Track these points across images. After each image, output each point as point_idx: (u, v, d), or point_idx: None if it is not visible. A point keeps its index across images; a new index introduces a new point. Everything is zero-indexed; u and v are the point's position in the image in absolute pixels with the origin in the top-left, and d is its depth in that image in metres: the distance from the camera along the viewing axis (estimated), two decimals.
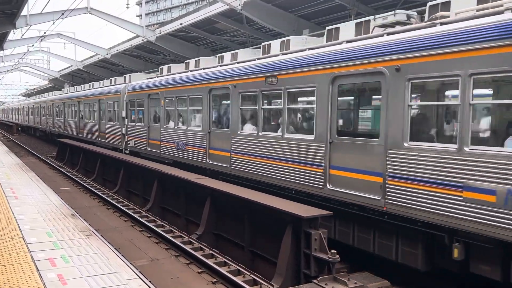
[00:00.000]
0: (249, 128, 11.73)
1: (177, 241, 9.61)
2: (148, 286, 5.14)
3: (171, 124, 15.87)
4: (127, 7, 30.01)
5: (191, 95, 14.38)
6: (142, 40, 26.57)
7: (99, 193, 15.54)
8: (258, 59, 11.65)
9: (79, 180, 18.30)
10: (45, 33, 29.21)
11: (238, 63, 12.52)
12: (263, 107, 11.01)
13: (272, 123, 11.51)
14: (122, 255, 6.30)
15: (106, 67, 40.21)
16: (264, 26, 19.30)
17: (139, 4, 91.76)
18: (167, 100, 16.07)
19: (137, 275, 5.35)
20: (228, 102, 12.44)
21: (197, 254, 8.74)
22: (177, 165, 14.58)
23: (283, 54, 10.79)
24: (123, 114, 20.12)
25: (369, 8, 15.88)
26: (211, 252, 9.13)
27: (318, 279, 7.06)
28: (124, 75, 23.18)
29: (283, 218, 7.87)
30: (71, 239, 6.65)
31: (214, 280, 7.83)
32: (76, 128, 28.40)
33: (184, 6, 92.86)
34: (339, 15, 16.83)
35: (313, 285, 7.00)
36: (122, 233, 10.96)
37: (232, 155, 11.94)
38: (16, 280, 4.96)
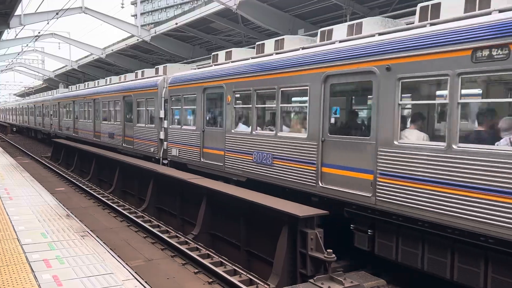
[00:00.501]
0: (417, 137, 7.40)
1: (173, 241, 9.59)
2: (144, 286, 5.12)
3: (244, 127, 11.48)
4: (122, 7, 29.97)
5: (286, 87, 9.83)
6: (137, 39, 26.54)
7: (94, 193, 15.48)
8: (432, 24, 7.17)
9: (74, 181, 18.23)
10: (39, 33, 29.10)
11: (382, 34, 7.86)
12: (461, 101, 6.54)
13: (481, 129, 6.87)
14: (117, 256, 6.28)
15: (101, 67, 40.10)
16: (259, 25, 19.30)
17: (134, 3, 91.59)
18: (237, 95, 11.73)
19: (133, 276, 5.34)
20: (370, 94, 8.28)
21: (193, 254, 8.72)
22: (254, 185, 10.51)
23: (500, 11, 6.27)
24: (161, 114, 15.57)
25: (364, 7, 15.93)
26: (207, 252, 9.11)
27: (314, 278, 7.06)
28: (157, 67, 18.30)
29: (279, 218, 7.87)
30: (66, 240, 6.61)
31: (210, 280, 7.82)
32: (91, 131, 23.81)
33: (179, 6, 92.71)
34: (334, 14, 16.86)
35: (309, 285, 7.00)
36: (118, 233, 10.92)
37: (379, 179, 7.50)
38: (11, 282, 4.92)
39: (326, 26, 10.20)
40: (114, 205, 13.48)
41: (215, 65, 13.46)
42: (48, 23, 23.96)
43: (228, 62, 12.63)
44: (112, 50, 31.48)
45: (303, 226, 7.55)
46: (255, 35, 21.50)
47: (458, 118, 6.61)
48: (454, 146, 6.55)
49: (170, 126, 15.00)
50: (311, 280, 7.06)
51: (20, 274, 5.17)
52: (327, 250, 7.24)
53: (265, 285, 7.42)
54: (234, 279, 7.51)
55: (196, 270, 8.25)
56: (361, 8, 15.88)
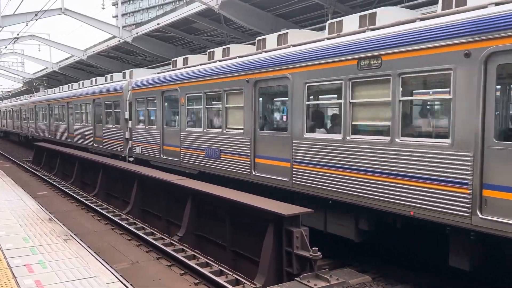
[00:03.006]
0: None
1: (158, 243, 9.52)
2: None
3: None
4: (103, 8, 29.67)
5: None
6: (119, 40, 26.28)
7: (77, 196, 15.28)
8: None
9: (56, 184, 17.96)
10: (18, 34, 28.60)
11: None
12: None
13: None
14: (102, 259, 6.22)
15: (83, 69, 39.65)
16: (242, 25, 19.30)
17: (115, 4, 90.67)
18: None
19: (118, 279, 5.28)
20: None
21: (179, 256, 8.67)
22: None
23: None
24: None
25: (346, 6, 16.05)
26: (193, 253, 9.07)
27: (300, 276, 7.09)
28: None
29: (264, 217, 7.87)
30: (48, 244, 6.51)
31: (197, 281, 7.79)
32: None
33: (161, 7, 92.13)
34: (316, 14, 16.95)
35: (295, 283, 7.03)
36: (102, 236, 10.80)
37: None
38: None
39: (308, 26, 10.18)
40: (97, 208, 13.32)
41: None
42: (27, 25, 23.60)
43: None
44: (93, 51, 31.12)
45: (289, 224, 7.56)
46: (238, 35, 21.49)
47: None
48: None
49: None
50: (297, 279, 7.10)
51: (1, 280, 5.06)
52: (313, 248, 7.26)
53: (252, 285, 7.42)
54: (221, 279, 7.50)
55: (182, 272, 8.21)
56: (343, 7, 16.00)
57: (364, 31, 8.04)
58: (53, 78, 47.12)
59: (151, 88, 14.98)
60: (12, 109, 42.35)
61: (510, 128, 6.70)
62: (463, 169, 6.20)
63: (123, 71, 19.34)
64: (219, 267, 8.24)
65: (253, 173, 10.14)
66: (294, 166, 9.04)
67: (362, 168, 7.63)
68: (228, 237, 9.21)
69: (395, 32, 7.27)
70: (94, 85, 22.03)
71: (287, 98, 9.30)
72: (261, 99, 10.30)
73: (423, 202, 6.71)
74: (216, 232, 9.69)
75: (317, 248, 7.25)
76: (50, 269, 5.47)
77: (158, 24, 22.28)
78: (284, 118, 9.79)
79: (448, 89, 6.49)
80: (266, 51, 10.42)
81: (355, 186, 7.79)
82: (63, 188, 16.97)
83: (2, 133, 48.99)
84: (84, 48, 33.13)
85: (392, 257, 8.51)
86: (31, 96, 38.23)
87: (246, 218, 8.69)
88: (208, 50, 12.89)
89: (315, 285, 6.88)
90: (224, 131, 11.14)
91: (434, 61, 6.56)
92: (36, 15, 22.87)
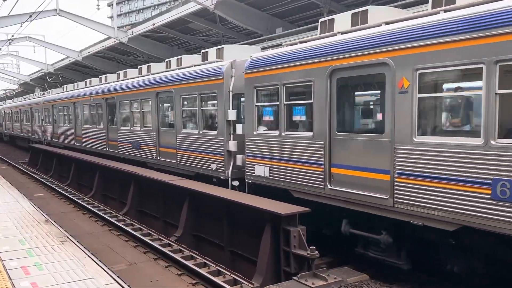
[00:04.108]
0: None
1: (155, 244, 9.50)
2: None
3: None
4: (98, 9, 29.59)
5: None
6: (114, 41, 26.23)
7: (74, 198, 15.22)
8: None
9: (53, 186, 17.89)
10: (13, 36, 28.51)
11: None
12: None
13: None
14: (99, 260, 6.19)
15: (78, 70, 39.55)
16: (237, 25, 19.29)
17: (110, 5, 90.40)
18: None
19: (115, 280, 5.26)
20: None
21: (176, 256, 8.65)
22: None
23: None
24: None
25: (341, 5, 16.05)
26: (190, 253, 9.05)
27: (298, 276, 7.09)
28: None
29: (262, 217, 7.86)
30: (45, 246, 6.49)
31: (194, 281, 7.77)
32: None
33: (157, 7, 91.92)
34: (311, 13, 16.95)
35: (293, 282, 7.02)
36: (99, 238, 10.76)
37: None
38: None
39: (303, 25, 10.20)
40: (94, 210, 13.27)
41: None
42: (21, 26, 23.52)
43: None
44: (89, 52, 31.05)
45: (286, 224, 7.56)
46: (233, 34, 21.48)
47: None
48: None
49: None
50: (295, 278, 7.09)
51: None
52: (310, 247, 7.26)
53: (250, 284, 7.41)
54: (218, 280, 7.48)
55: (180, 272, 8.19)
56: (338, 6, 16.00)
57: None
58: (49, 80, 46.98)
59: (297, 67, 8.74)
60: (19, 109, 34.88)
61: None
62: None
63: (202, 51, 13.22)
64: (217, 267, 8.22)
65: None
66: None
67: None
68: (226, 237, 9.20)
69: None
70: (152, 74, 15.40)
71: None
72: None
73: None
74: (213, 232, 9.68)
75: (314, 247, 7.25)
76: (47, 271, 5.44)
77: (153, 24, 22.26)
78: None
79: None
80: None
81: None
82: (59, 190, 16.90)
83: (7, 137, 43.32)
84: (80, 49, 33.06)
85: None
86: (44, 94, 31.65)
87: (243, 218, 8.68)
88: None
89: (313, 284, 6.88)
90: None
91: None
92: (30, 16, 22.80)
